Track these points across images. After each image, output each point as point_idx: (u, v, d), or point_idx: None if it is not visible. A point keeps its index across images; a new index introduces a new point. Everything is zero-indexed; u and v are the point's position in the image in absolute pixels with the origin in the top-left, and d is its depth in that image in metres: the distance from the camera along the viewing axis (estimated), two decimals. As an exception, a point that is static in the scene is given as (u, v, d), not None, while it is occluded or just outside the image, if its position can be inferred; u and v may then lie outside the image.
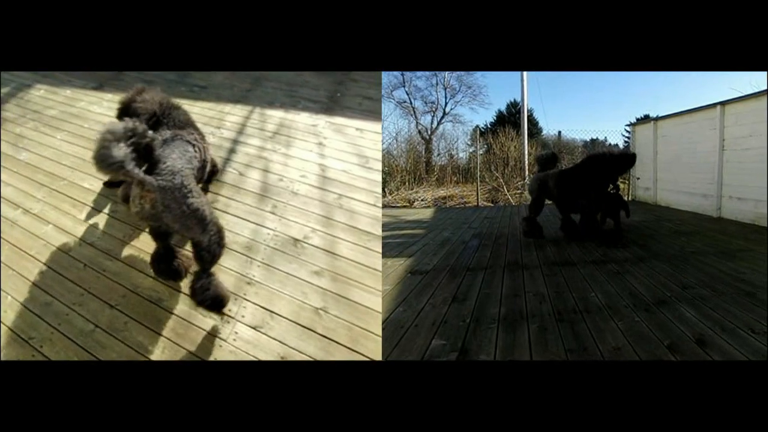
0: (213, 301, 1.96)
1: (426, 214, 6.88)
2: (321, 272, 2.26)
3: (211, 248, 1.94)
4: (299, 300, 2.13)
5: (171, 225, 1.88)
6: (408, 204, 8.75)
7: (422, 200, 9.07)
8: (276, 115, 3.69)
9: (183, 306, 2.12)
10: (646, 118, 7.31)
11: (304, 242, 2.43)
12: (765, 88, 4.47)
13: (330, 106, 3.80)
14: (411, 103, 13.94)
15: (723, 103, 5.02)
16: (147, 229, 2.20)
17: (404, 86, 13.72)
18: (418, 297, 2.44)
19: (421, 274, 2.89)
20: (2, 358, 1.91)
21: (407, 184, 10.24)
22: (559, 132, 9.11)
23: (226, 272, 2.26)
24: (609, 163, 3.77)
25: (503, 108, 14.72)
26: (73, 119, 3.75)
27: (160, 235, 2.12)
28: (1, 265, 2.37)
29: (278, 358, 1.90)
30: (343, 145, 3.26)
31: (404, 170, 10.59)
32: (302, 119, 3.61)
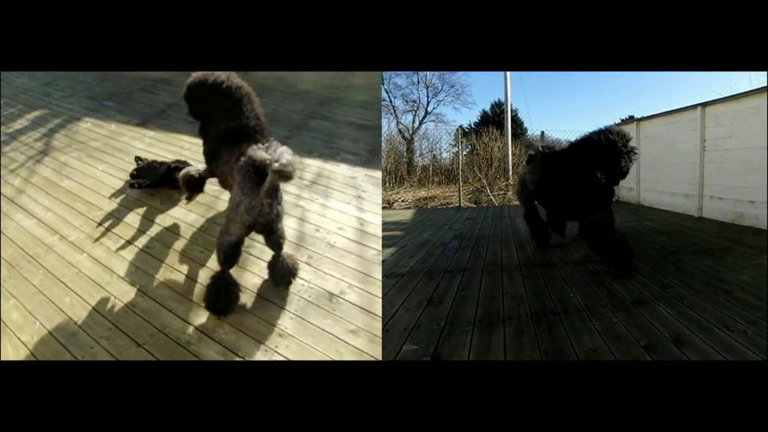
0: (288, 275, 2.35)
1: (406, 215, 6.79)
2: (357, 331, 2.14)
3: (282, 234, 2.29)
4: (333, 359, 2.02)
5: (268, 224, 2.16)
6: (388, 205, 8.64)
7: (403, 201, 8.97)
8: (314, 164, 3.63)
9: (210, 351, 2.03)
10: (630, 119, 7.34)
11: (340, 297, 2.32)
12: (743, 90, 4.49)
13: (370, 159, 3.73)
14: (391, 101, 13.68)
15: (704, 105, 5.04)
16: (238, 239, 2.14)
17: (383, 83, 13.56)
18: (392, 301, 2.36)
19: (396, 277, 2.81)
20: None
21: (387, 184, 10.10)
22: (542, 132, 9.05)
23: (256, 320, 2.19)
24: (602, 148, 2.68)
25: (487, 108, 14.58)
26: (115, 152, 3.89)
27: (236, 252, 2.17)
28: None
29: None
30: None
31: (383, 170, 10.46)
32: (341, 170, 3.54)
